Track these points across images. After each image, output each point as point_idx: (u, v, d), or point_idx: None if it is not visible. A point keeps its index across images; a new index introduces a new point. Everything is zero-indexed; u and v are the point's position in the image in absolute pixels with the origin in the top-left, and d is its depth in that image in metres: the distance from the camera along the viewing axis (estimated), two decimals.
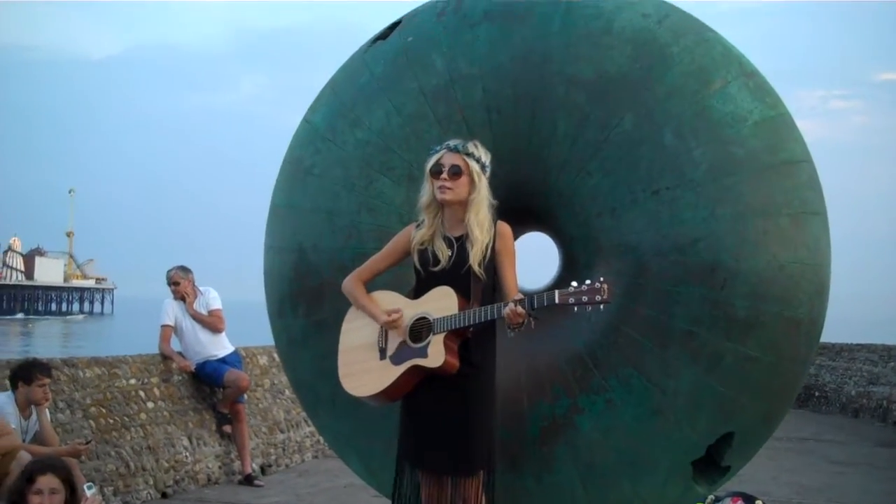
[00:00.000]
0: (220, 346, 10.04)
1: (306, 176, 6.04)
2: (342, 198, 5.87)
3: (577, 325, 5.56)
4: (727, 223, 5.38)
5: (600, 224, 5.58)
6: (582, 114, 5.53)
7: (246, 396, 10.17)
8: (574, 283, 4.55)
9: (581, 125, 5.54)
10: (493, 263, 4.86)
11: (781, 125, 5.71)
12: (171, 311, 9.90)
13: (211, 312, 9.98)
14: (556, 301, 4.54)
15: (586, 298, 4.50)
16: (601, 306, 4.57)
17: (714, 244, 5.37)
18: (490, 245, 4.84)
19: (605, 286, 4.50)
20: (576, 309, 4.56)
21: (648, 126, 5.47)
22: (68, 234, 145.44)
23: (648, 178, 5.45)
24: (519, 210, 5.75)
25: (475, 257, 4.79)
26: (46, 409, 7.38)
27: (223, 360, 9.97)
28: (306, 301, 5.94)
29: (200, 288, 10.13)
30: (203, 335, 9.89)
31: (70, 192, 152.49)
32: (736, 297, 5.35)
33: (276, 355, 11.30)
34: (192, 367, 9.86)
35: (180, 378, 9.83)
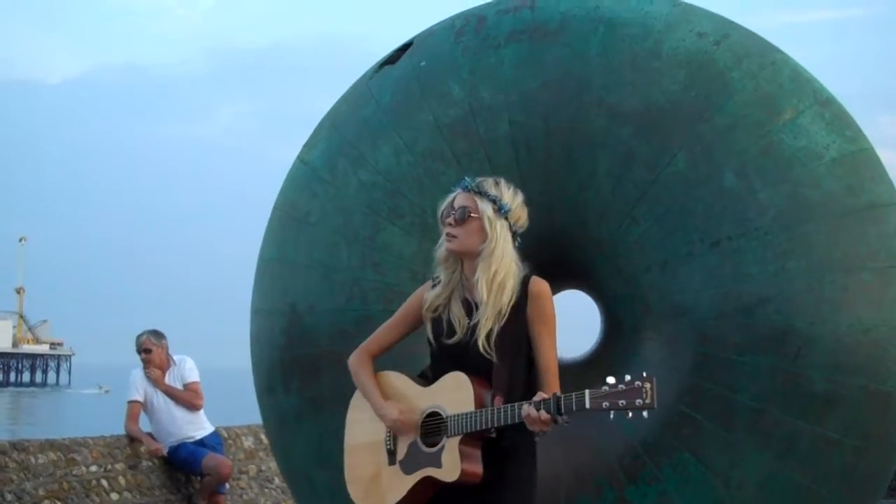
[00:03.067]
0: (198, 426, 10.01)
1: (301, 224, 6.08)
2: (343, 250, 5.89)
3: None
4: (801, 280, 5.39)
5: (649, 281, 5.59)
6: (627, 150, 5.57)
7: (228, 486, 10.12)
8: (610, 380, 4.16)
9: (626, 164, 5.57)
10: (517, 335, 4.44)
11: (864, 162, 5.73)
12: (141, 384, 9.88)
13: (187, 386, 9.96)
14: (587, 405, 4.14)
15: (624, 402, 4.12)
16: (644, 413, 4.17)
17: (785, 305, 5.37)
18: (509, 311, 4.41)
19: (649, 387, 4.12)
20: (612, 415, 4.18)
21: (706, 165, 5.49)
22: (18, 291, 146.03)
23: (706, 226, 5.46)
24: (552, 264, 5.75)
25: (483, 329, 4.38)
26: None
27: (201, 443, 9.93)
28: (300, 374, 5.94)
29: (175, 356, 10.12)
30: (178, 412, 9.87)
31: (20, 240, 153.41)
32: (813, 367, 5.34)
33: (263, 437, 11.26)
34: (165, 451, 9.83)
35: (150, 464, 9.80)
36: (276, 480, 11.22)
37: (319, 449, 5.83)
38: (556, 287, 6.15)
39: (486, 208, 4.47)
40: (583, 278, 6.04)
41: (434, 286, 4.62)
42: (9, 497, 8.25)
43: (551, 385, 4.39)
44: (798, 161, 5.52)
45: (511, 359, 4.43)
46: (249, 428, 11.50)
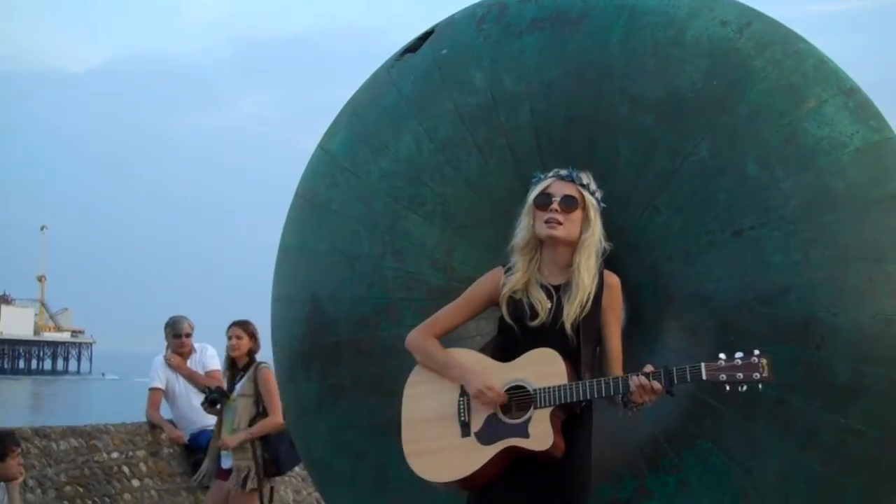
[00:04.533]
0: None
1: (322, 212, 6.09)
2: (364, 238, 5.91)
3: None
4: (823, 269, 5.37)
5: (671, 270, 5.59)
6: (649, 139, 5.56)
7: None
8: (723, 356, 4.39)
9: (648, 152, 5.56)
10: (597, 322, 4.68)
11: (888, 151, 5.70)
12: (163, 372, 9.91)
13: (208, 374, 9.99)
14: (704, 377, 4.36)
15: (741, 376, 4.33)
16: (759, 386, 4.38)
17: (808, 295, 5.36)
18: (591, 299, 4.63)
19: (764, 361, 4.35)
20: (727, 388, 4.38)
21: (728, 153, 5.48)
22: (39, 279, 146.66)
23: (728, 215, 5.45)
24: None
25: (571, 311, 4.57)
26: (18, 486, 7.42)
27: None
28: (321, 362, 5.96)
29: (196, 344, 10.17)
30: (198, 400, 9.89)
31: (42, 229, 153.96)
32: (835, 357, 5.32)
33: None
34: (186, 439, 9.89)
35: (171, 451, 9.86)
36: (297, 468, 11.24)
37: (339, 436, 5.85)
38: None
39: (592, 199, 4.71)
40: (605, 267, 6.01)
41: (508, 272, 4.74)
42: (31, 483, 8.32)
43: (619, 369, 4.69)
44: (821, 150, 5.49)
45: (592, 343, 4.65)
46: None
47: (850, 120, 5.62)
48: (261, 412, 8.24)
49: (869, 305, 5.38)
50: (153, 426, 9.87)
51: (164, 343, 10.10)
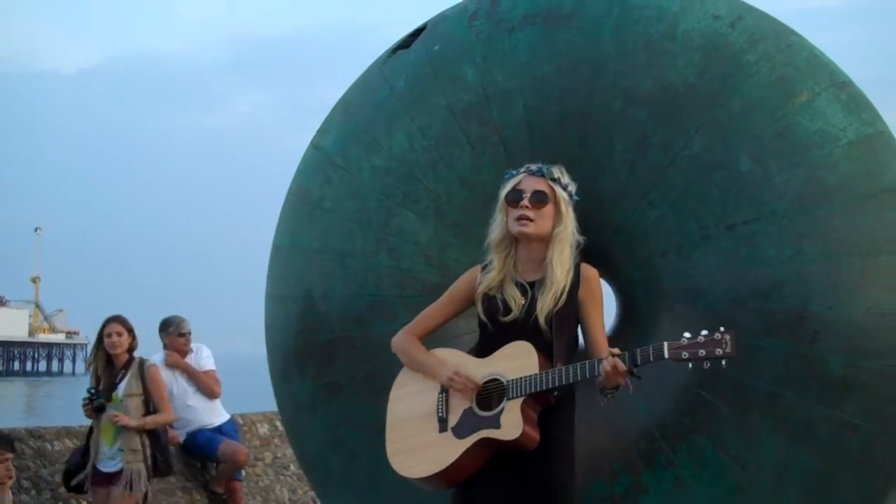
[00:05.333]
0: (215, 414, 10.04)
1: (314, 210, 6.09)
2: (357, 236, 5.91)
3: (639, 388, 5.53)
4: (817, 263, 5.38)
5: (665, 265, 5.60)
6: (642, 134, 5.57)
7: (244, 473, 10.17)
8: (687, 334, 4.37)
9: (641, 147, 5.57)
10: (571, 314, 4.67)
11: (881, 145, 5.71)
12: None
13: (205, 374, 9.99)
14: (666, 355, 4.34)
15: (704, 352, 4.30)
16: (723, 362, 4.34)
17: (802, 289, 5.37)
18: (566, 292, 4.64)
19: (728, 337, 4.31)
20: (690, 366, 4.38)
21: (721, 148, 5.49)
22: (34, 280, 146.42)
23: (722, 209, 5.46)
24: None
25: (545, 304, 4.59)
26: (9, 490, 7.41)
27: (218, 430, 9.97)
28: (315, 360, 5.97)
29: (192, 345, 10.15)
30: (195, 400, 9.89)
31: (36, 230, 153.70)
32: (829, 352, 5.34)
33: (278, 423, 11.30)
34: (181, 439, 9.87)
35: None
36: (292, 467, 11.26)
37: (334, 435, 5.86)
38: None
39: (563, 193, 4.71)
40: (599, 263, 5.99)
41: (485, 270, 4.78)
42: (25, 484, 8.31)
43: None
44: (814, 144, 5.50)
45: (567, 336, 4.64)
46: (265, 415, 11.53)
47: (843, 113, 5.63)
48: (151, 411, 8.12)
49: (863, 299, 5.39)
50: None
51: (159, 344, 10.08)
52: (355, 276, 5.87)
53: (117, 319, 8.30)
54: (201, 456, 10.03)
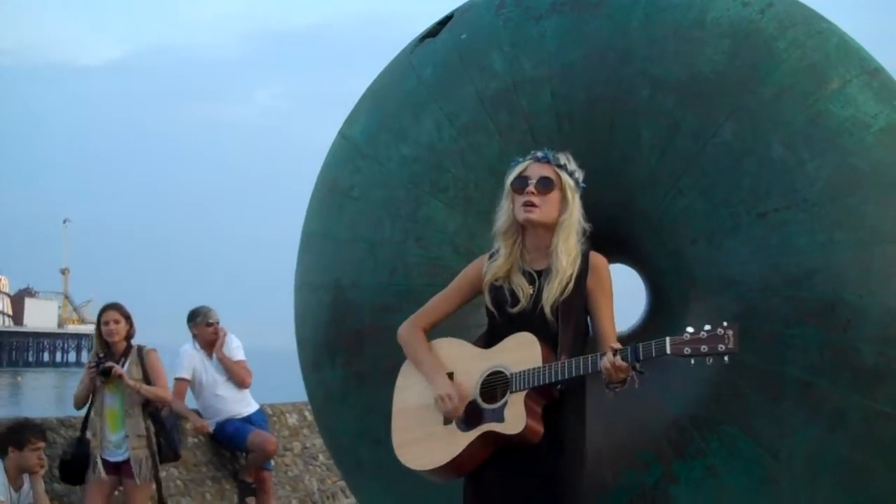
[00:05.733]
0: (244, 404, 10.07)
1: (344, 200, 6.09)
2: (386, 225, 5.91)
3: (669, 378, 5.51)
4: (849, 251, 5.35)
5: (695, 253, 5.56)
6: (671, 121, 5.53)
7: (273, 462, 10.21)
8: (690, 329, 4.29)
9: (670, 134, 5.53)
10: (578, 305, 4.61)
11: None
12: (189, 362, 9.91)
13: (236, 363, 10.02)
14: (668, 351, 4.26)
15: (706, 348, 4.23)
16: (725, 358, 4.28)
17: (834, 277, 5.33)
18: (573, 281, 4.58)
19: (731, 333, 4.24)
20: (692, 362, 4.30)
21: (752, 135, 5.46)
22: (63, 272, 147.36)
23: (753, 197, 5.42)
24: (597, 237, 5.72)
25: (551, 294, 4.54)
26: (42, 479, 7.46)
27: (247, 420, 10.01)
28: (346, 349, 5.97)
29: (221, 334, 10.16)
30: (224, 390, 9.92)
31: (64, 222, 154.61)
32: (862, 340, 5.30)
33: (307, 413, 11.35)
34: (211, 428, 9.91)
35: (196, 441, 9.89)
36: (321, 457, 11.31)
37: (365, 424, 5.86)
38: None
39: (569, 180, 4.65)
40: (627, 252, 6.01)
41: (492, 258, 4.73)
42: (57, 473, 8.34)
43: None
44: (846, 131, 5.46)
45: (574, 326, 4.57)
46: (294, 405, 11.58)
47: (874, 100, 5.58)
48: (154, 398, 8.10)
49: (895, 287, 5.34)
50: (178, 416, 9.88)
51: (188, 334, 10.12)
52: (384, 264, 5.87)
53: (114, 307, 8.31)
54: (230, 446, 10.08)
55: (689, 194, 5.54)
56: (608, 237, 5.83)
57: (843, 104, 5.50)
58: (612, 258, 6.22)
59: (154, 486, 8.20)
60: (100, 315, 8.33)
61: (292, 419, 11.52)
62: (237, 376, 9.94)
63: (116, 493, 8.38)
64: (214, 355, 9.96)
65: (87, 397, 8.19)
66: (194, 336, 10.03)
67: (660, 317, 5.99)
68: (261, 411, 10.29)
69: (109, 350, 8.18)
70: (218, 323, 10.01)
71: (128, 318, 8.24)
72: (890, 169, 5.46)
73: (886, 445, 5.40)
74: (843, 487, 5.44)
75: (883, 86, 5.68)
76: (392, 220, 5.88)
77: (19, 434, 7.43)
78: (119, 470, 8.04)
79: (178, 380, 9.91)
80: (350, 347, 5.96)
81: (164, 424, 8.29)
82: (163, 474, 9.25)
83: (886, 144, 5.50)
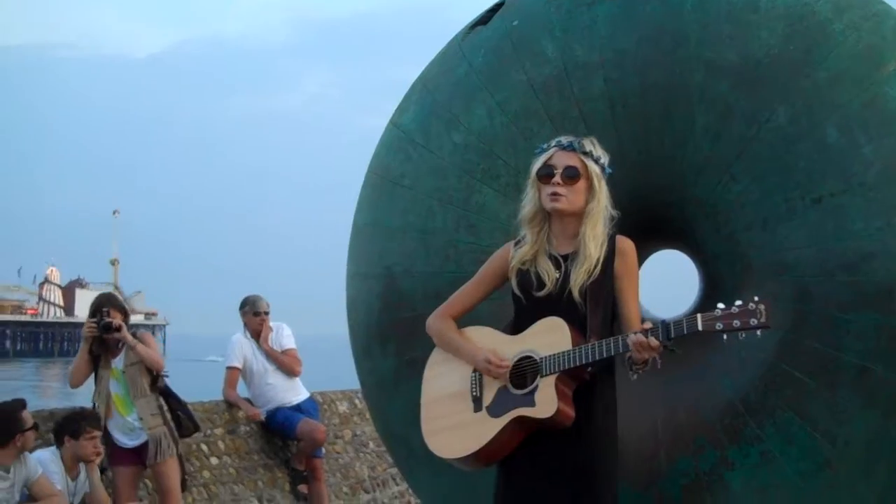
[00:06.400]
0: (295, 392, 10.12)
1: (395, 188, 6.09)
2: (437, 213, 5.90)
3: (724, 363, 5.48)
4: None
5: (750, 239, 5.52)
6: (725, 106, 5.48)
7: (324, 450, 10.24)
8: (721, 305, 4.29)
9: (724, 119, 5.48)
10: (607, 288, 4.59)
11: None
12: (240, 351, 9.97)
13: (285, 352, 10.07)
14: (700, 327, 4.25)
15: (738, 323, 4.22)
16: (758, 332, 4.28)
17: (891, 261, 5.27)
18: (600, 265, 4.57)
19: (762, 307, 4.22)
20: (725, 337, 4.28)
21: (807, 119, 5.40)
22: (113, 263, 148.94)
23: (808, 182, 5.37)
24: (649, 223, 5.70)
25: (578, 278, 4.53)
26: (97, 467, 7.53)
27: (297, 408, 10.05)
28: (397, 336, 5.97)
29: (272, 324, 10.22)
30: (274, 378, 9.98)
31: (114, 213, 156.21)
32: None
33: (357, 401, 11.39)
34: (262, 416, 9.97)
35: (248, 429, 9.95)
36: (371, 445, 11.34)
37: (416, 410, 5.85)
38: (654, 246, 6.13)
39: (595, 167, 4.62)
40: (681, 238, 5.98)
41: (518, 245, 4.74)
42: None
43: None
44: None
45: (601, 310, 4.55)
46: (344, 393, 11.63)
47: None
48: (155, 376, 8.02)
49: None
50: (230, 405, 9.96)
51: (240, 322, 10.18)
52: (436, 253, 5.87)
53: (108, 299, 8.28)
54: (281, 434, 10.13)
55: (743, 180, 5.49)
56: (661, 223, 5.82)
57: None
58: (666, 244, 6.22)
59: (178, 461, 8.14)
60: (94, 307, 8.19)
61: (343, 407, 11.57)
62: (286, 366, 9.99)
63: (146, 480, 8.39)
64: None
65: (86, 373, 8.04)
66: (245, 325, 10.09)
67: (714, 302, 5.93)
68: (311, 399, 10.33)
69: (105, 341, 8.05)
70: (266, 313, 10.06)
71: (122, 309, 8.19)
72: None
73: None
74: None
75: None
76: (444, 208, 5.88)
77: (75, 423, 7.48)
78: (140, 455, 8.01)
79: (229, 368, 10.00)
80: (402, 335, 5.97)
81: (178, 398, 8.27)
82: (214, 461, 9.32)
83: None
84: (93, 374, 8.03)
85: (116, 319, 7.89)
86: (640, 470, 5.44)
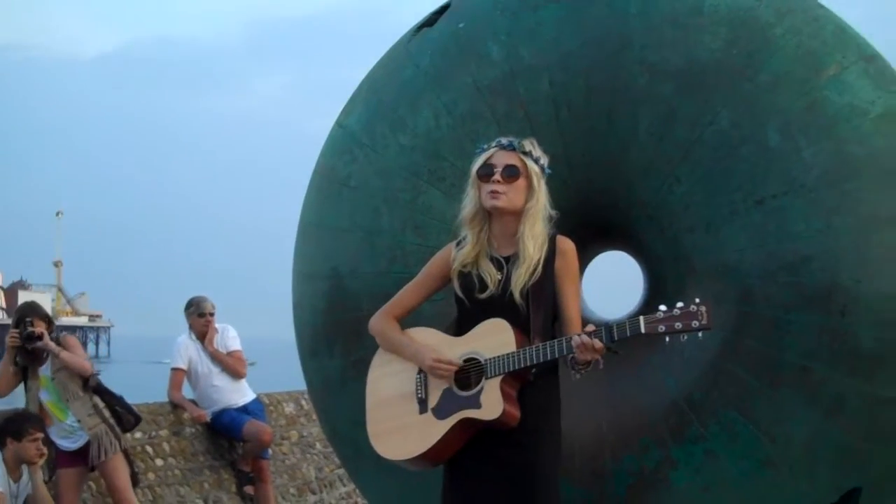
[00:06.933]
0: (241, 393, 10.06)
1: (341, 189, 6.08)
2: (384, 214, 5.90)
3: (667, 363, 5.52)
4: (846, 237, 5.35)
5: (693, 241, 5.56)
6: (669, 109, 5.53)
7: (270, 451, 10.20)
8: (663, 307, 4.32)
9: (668, 122, 5.53)
10: (548, 289, 4.60)
11: None
12: (185, 353, 9.90)
13: (230, 354, 10.01)
14: (643, 330, 4.28)
15: (680, 325, 4.25)
16: (699, 334, 4.32)
17: (831, 263, 5.33)
18: (540, 265, 4.57)
19: (704, 309, 4.25)
20: (667, 339, 4.33)
21: (749, 123, 5.45)
22: (56, 264, 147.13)
23: (750, 184, 5.42)
24: (594, 225, 5.74)
25: (518, 279, 4.52)
26: (40, 469, 7.44)
27: (244, 409, 10.00)
28: (344, 337, 5.96)
29: (217, 325, 10.17)
30: (220, 380, 9.92)
31: (57, 214, 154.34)
32: (860, 325, 5.30)
33: (304, 402, 11.35)
34: (208, 418, 9.90)
35: (193, 430, 9.88)
36: (318, 445, 11.31)
37: (363, 411, 5.84)
38: (599, 248, 6.17)
39: (534, 167, 4.62)
40: (625, 239, 6.02)
41: (459, 246, 4.74)
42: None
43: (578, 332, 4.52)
44: (843, 118, 5.46)
45: (543, 310, 4.56)
46: (290, 394, 11.58)
47: (872, 87, 5.57)
48: (87, 379, 7.96)
49: (892, 272, 5.36)
50: (175, 406, 9.89)
51: (185, 324, 10.11)
52: (382, 253, 5.87)
53: (31, 308, 8.21)
54: (228, 435, 10.07)
55: (686, 182, 5.54)
56: (606, 225, 5.85)
57: (840, 91, 5.49)
58: (611, 245, 6.26)
59: (123, 456, 8.07)
60: (17, 317, 8.10)
61: (289, 408, 11.52)
62: (231, 368, 9.93)
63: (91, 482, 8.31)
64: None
65: (12, 383, 7.98)
66: (190, 326, 10.02)
67: (657, 304, 5.96)
68: (257, 401, 10.27)
69: (28, 350, 7.98)
70: (212, 315, 9.99)
71: (45, 317, 8.10)
72: (887, 155, 5.45)
73: (884, 430, 5.40)
74: (841, 472, 5.45)
75: (880, 72, 5.67)
76: (390, 209, 5.88)
77: (18, 425, 7.39)
78: (83, 456, 7.93)
79: (174, 370, 9.92)
80: (348, 335, 5.96)
81: (112, 394, 8.18)
82: (159, 462, 9.26)
83: (884, 131, 5.49)
84: (22, 384, 7.96)
85: (39, 328, 7.83)
86: (585, 469, 5.47)
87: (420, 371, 4.65)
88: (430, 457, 4.60)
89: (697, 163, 5.51)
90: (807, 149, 5.40)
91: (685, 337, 4.30)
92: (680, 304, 4.30)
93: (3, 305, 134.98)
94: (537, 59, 5.74)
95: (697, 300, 4.30)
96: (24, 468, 7.39)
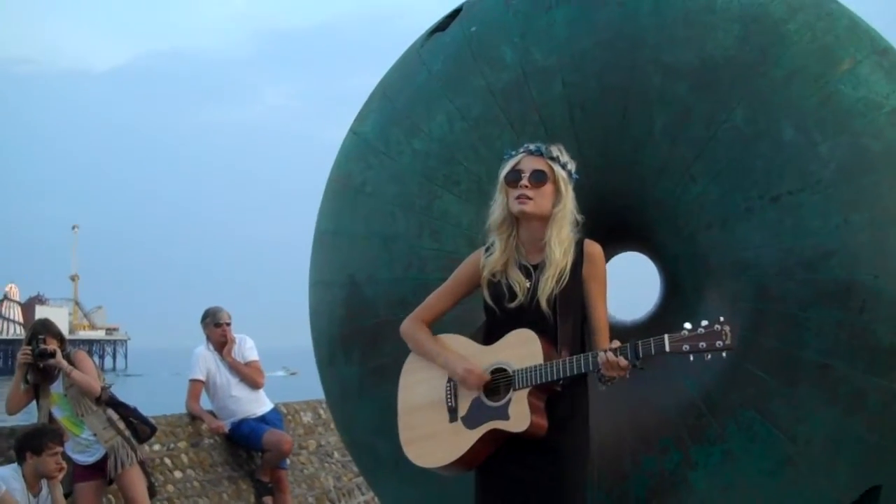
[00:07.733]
0: (259, 403, 10.07)
1: (357, 195, 6.08)
2: (400, 220, 5.90)
3: (685, 363, 5.47)
4: (864, 232, 5.33)
5: (709, 239, 5.55)
6: (683, 107, 5.52)
7: (289, 461, 10.20)
8: (688, 326, 4.34)
9: (682, 121, 5.52)
10: (575, 294, 4.62)
11: None
12: (204, 364, 9.91)
13: (248, 364, 10.02)
14: (667, 349, 4.32)
15: (704, 345, 4.29)
16: (723, 354, 4.35)
17: (849, 259, 5.32)
18: (567, 270, 4.59)
19: (727, 329, 4.30)
20: (692, 358, 4.35)
21: (764, 119, 5.44)
22: (73, 278, 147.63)
23: (766, 181, 5.41)
24: (609, 226, 5.72)
25: (546, 287, 4.56)
26: (60, 484, 7.45)
27: (262, 419, 10.01)
28: (361, 344, 5.96)
29: (234, 335, 10.17)
30: (238, 391, 9.93)
31: (73, 228, 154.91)
32: (878, 321, 5.28)
33: (322, 411, 11.35)
34: (227, 429, 9.91)
35: (212, 441, 9.89)
36: (336, 455, 11.31)
37: (382, 418, 5.85)
38: (615, 249, 6.14)
39: (562, 172, 4.66)
40: (641, 239, 6.01)
41: (488, 252, 4.75)
42: None
43: (605, 342, 4.59)
44: (858, 112, 5.45)
45: (571, 319, 4.59)
46: (308, 403, 11.58)
47: (886, 80, 5.57)
48: (98, 394, 7.98)
49: None
50: (193, 418, 9.90)
51: (203, 335, 10.12)
52: (399, 259, 5.87)
53: (44, 326, 8.22)
54: (246, 445, 10.07)
55: (702, 180, 5.53)
56: (623, 225, 5.84)
57: (854, 85, 5.48)
58: (627, 246, 6.24)
59: (140, 468, 8.09)
60: (30, 335, 8.12)
61: (307, 417, 11.53)
62: (249, 378, 9.94)
63: (109, 494, 8.32)
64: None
65: (24, 400, 8.00)
66: (207, 337, 10.03)
67: (675, 303, 5.98)
68: (275, 410, 10.29)
69: (40, 368, 8.00)
70: (228, 324, 10.01)
71: (57, 335, 8.11)
72: None
73: None
74: (861, 470, 5.43)
75: (893, 65, 5.65)
76: (406, 215, 5.88)
77: (37, 440, 7.40)
78: (101, 469, 7.96)
79: (192, 381, 9.93)
80: (366, 343, 5.96)
81: (126, 406, 8.20)
82: (178, 475, 9.26)
83: None
84: (34, 402, 7.98)
85: (51, 346, 7.85)
86: (604, 471, 5.46)
87: (450, 379, 4.69)
88: (461, 464, 4.67)
89: (713, 161, 5.50)
90: (822, 144, 5.39)
91: (710, 356, 4.33)
92: (704, 323, 4.31)
93: (21, 321, 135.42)
94: (550, 60, 5.75)
95: (721, 319, 4.32)
96: (44, 483, 7.41)
